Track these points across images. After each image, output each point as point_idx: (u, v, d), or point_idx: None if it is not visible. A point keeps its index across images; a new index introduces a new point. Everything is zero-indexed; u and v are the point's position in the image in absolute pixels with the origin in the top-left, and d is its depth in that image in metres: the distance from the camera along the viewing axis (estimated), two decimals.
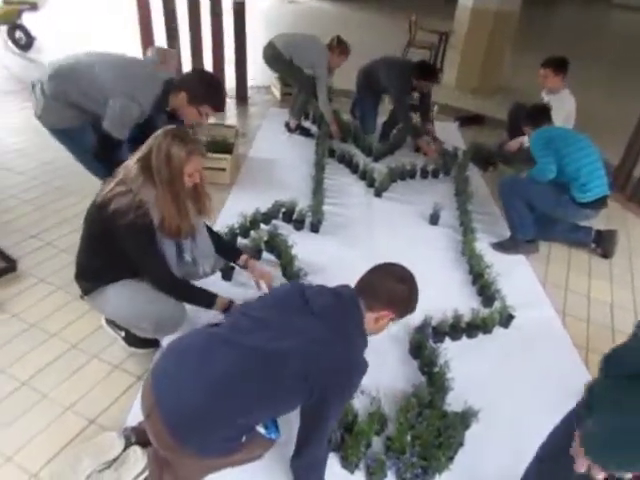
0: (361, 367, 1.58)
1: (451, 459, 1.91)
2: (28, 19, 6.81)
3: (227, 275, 2.77)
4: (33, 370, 2.17)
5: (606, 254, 3.41)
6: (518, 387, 2.34)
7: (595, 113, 5.36)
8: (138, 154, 1.94)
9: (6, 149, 4.11)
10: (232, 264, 2.67)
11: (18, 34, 6.63)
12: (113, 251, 1.97)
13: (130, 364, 2.25)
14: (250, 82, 5.48)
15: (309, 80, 4.37)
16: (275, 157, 4.28)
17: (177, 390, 1.52)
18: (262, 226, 3.24)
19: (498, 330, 2.64)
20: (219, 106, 2.71)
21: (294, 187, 3.76)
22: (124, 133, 2.60)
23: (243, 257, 2.44)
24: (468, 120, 5.47)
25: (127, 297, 2.05)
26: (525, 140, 3.80)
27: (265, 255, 2.99)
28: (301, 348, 1.53)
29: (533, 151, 3.18)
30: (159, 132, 1.93)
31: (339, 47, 4.30)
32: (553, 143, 3.10)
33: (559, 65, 3.99)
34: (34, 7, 6.94)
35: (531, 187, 3.20)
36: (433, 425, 1.96)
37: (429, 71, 4.34)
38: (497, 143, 4.54)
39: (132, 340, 2.27)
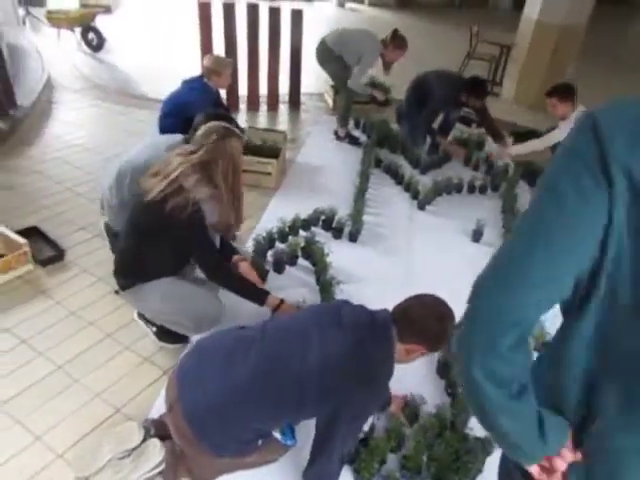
0: (379, 393, 1.58)
1: None
2: (101, 21, 7.18)
3: (261, 279, 2.81)
4: (69, 355, 2.29)
5: None
6: None
7: None
8: (184, 152, 2.03)
9: (70, 143, 4.35)
10: None
11: (91, 36, 7.00)
12: (159, 248, 2.06)
13: (159, 357, 2.32)
14: (304, 89, 5.55)
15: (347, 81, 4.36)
16: (321, 164, 4.31)
17: (200, 387, 1.57)
18: (301, 232, 3.27)
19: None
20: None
21: (336, 195, 3.77)
22: None
23: (236, 257, 2.51)
24: (523, 136, 5.29)
25: (168, 295, 2.13)
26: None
27: (301, 261, 3.02)
28: (322, 362, 1.54)
29: None
30: (214, 130, 2.05)
31: (394, 41, 4.24)
32: None
33: (564, 92, 3.91)
34: (108, 10, 7.34)
35: None
36: (452, 447, 1.91)
37: (479, 87, 4.26)
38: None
39: (162, 335, 2.35)
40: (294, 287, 2.84)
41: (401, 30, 4.34)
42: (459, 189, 4.06)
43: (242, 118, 5.11)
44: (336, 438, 1.59)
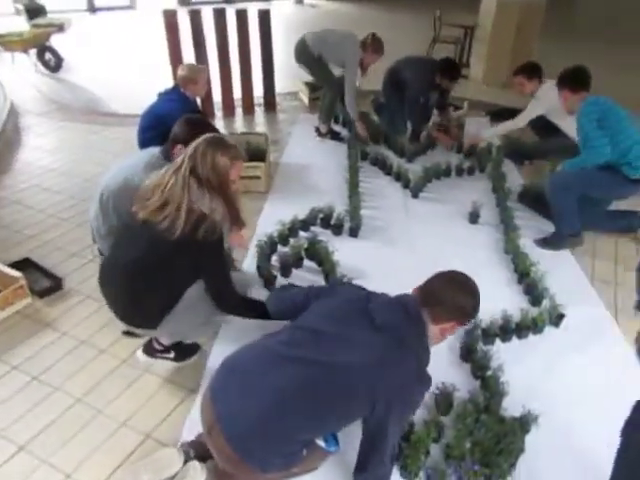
0: (426, 384, 1.56)
1: (513, 466, 1.85)
2: (55, 40, 6.97)
3: (269, 284, 2.76)
4: (86, 387, 2.20)
5: None
6: (574, 389, 2.25)
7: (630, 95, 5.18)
8: (171, 171, 1.90)
9: (44, 169, 4.21)
10: None
11: (47, 56, 6.81)
12: (182, 279, 1.98)
13: (179, 376, 2.26)
14: (277, 89, 5.48)
15: (335, 79, 4.34)
16: (308, 163, 4.27)
17: (239, 406, 1.52)
18: (301, 233, 3.23)
19: (549, 330, 2.56)
20: (185, 140, 2.33)
21: (329, 192, 3.74)
22: None
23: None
24: (499, 115, 5.34)
25: (193, 302, 2.03)
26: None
27: (306, 262, 2.98)
28: (365, 364, 1.51)
29: (584, 131, 2.97)
30: (198, 142, 1.92)
31: (373, 45, 4.22)
32: (606, 120, 2.91)
33: (531, 71, 3.94)
34: (61, 28, 7.12)
35: (586, 178, 3.05)
36: (492, 431, 1.91)
37: (452, 68, 4.29)
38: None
39: (180, 356, 2.28)
40: None
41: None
42: (448, 173, 4.07)
43: (219, 124, 5.02)
44: (388, 439, 1.56)
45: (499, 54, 6.57)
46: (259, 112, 5.39)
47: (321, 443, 1.69)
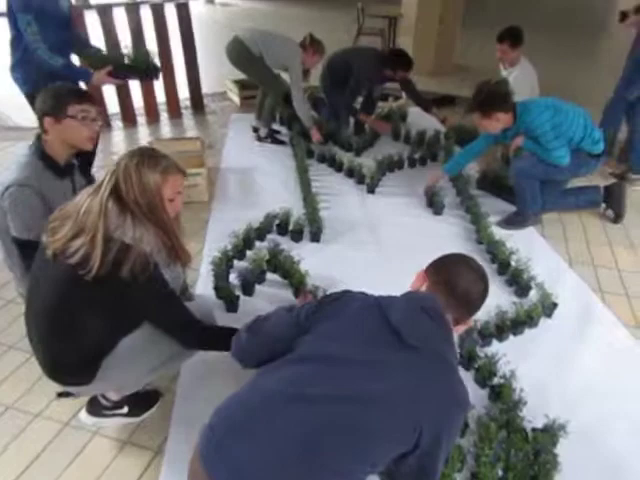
0: (468, 397, 1.28)
1: None
2: None
3: (232, 306, 2.39)
4: (23, 462, 1.73)
5: (618, 214, 3.24)
6: (586, 383, 2.08)
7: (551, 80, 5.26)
8: (89, 192, 1.48)
9: None
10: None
11: None
12: (98, 328, 1.54)
13: (140, 436, 1.84)
14: (203, 89, 5.06)
15: (279, 81, 4.01)
16: (250, 165, 3.89)
17: (245, 473, 1.15)
18: (257, 243, 2.88)
19: (543, 321, 2.38)
20: (77, 93, 2.05)
21: (279, 195, 3.41)
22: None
23: None
24: (437, 102, 5.25)
25: (140, 346, 1.62)
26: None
27: (269, 276, 2.63)
28: (404, 390, 1.21)
29: (542, 139, 2.86)
30: (120, 157, 1.51)
31: (313, 46, 3.91)
32: (558, 125, 2.83)
33: (516, 37, 3.76)
34: None
35: (551, 168, 2.95)
36: (522, 450, 1.67)
37: (404, 58, 4.09)
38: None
39: (136, 409, 1.86)
40: (272, 307, 2.39)
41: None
42: (401, 165, 3.87)
43: (144, 132, 4.54)
44: (439, 466, 1.28)
45: (424, 43, 6.53)
46: (187, 115, 4.94)
47: None
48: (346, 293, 1.46)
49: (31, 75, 2.76)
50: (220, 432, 1.22)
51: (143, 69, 3.21)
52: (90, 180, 3.02)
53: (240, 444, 1.18)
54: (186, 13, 4.54)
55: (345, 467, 1.16)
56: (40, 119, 1.95)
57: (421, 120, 4.62)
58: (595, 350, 2.25)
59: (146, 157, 1.48)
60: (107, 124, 4.48)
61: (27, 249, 1.87)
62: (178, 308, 1.60)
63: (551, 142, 2.85)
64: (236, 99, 5.18)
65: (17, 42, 2.74)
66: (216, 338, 1.71)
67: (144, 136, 4.48)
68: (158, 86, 4.67)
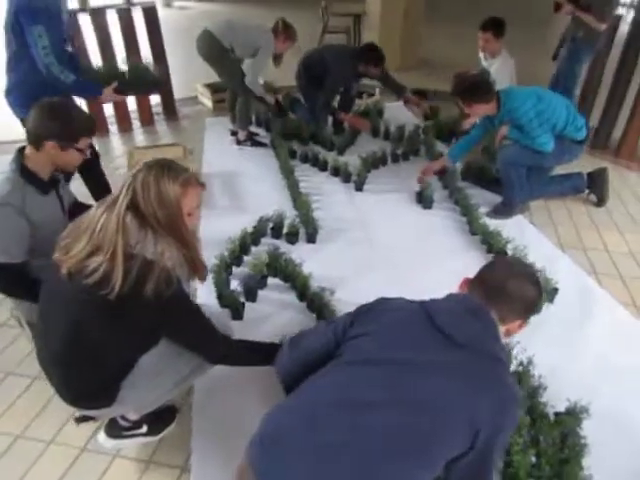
0: (519, 392, 1.28)
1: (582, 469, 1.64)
2: None
3: (237, 314, 2.34)
4: None
5: (601, 198, 3.34)
6: (598, 364, 2.14)
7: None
8: (104, 207, 1.40)
9: None
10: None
11: None
12: (118, 349, 1.48)
13: (162, 454, 1.78)
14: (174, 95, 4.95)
15: (243, 76, 3.92)
16: (233, 170, 3.82)
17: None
18: (252, 248, 2.83)
19: (546, 307, 2.42)
20: (92, 127, 2.03)
21: (267, 198, 3.35)
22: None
23: None
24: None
25: (163, 363, 1.56)
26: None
27: (270, 280, 2.59)
28: (459, 390, 1.20)
29: (529, 129, 2.91)
30: (137, 168, 1.43)
31: (285, 31, 3.84)
32: (541, 112, 2.88)
33: (500, 27, 3.81)
34: None
35: (536, 155, 3.00)
36: (550, 435, 1.69)
37: (375, 52, 4.08)
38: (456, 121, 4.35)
39: (155, 427, 1.80)
40: (278, 312, 2.41)
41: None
42: (384, 162, 3.88)
43: (116, 142, 4.41)
44: (492, 467, 1.27)
45: (389, 39, 6.55)
46: (160, 122, 4.81)
47: None
48: (381, 301, 1.44)
49: (29, 98, 2.63)
50: (271, 442, 1.19)
51: (146, 84, 3.15)
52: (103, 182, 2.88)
53: (294, 455, 1.15)
54: (154, 17, 4.41)
55: (407, 475, 1.14)
56: (39, 138, 1.83)
57: (398, 115, 4.66)
58: (600, 331, 2.31)
59: (165, 169, 1.41)
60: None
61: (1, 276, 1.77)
62: (204, 323, 1.54)
63: (535, 129, 2.90)
64: (208, 103, 5.08)
65: (16, 62, 2.57)
66: (242, 352, 1.69)
67: (118, 145, 4.34)
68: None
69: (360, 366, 1.27)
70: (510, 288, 1.34)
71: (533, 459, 1.63)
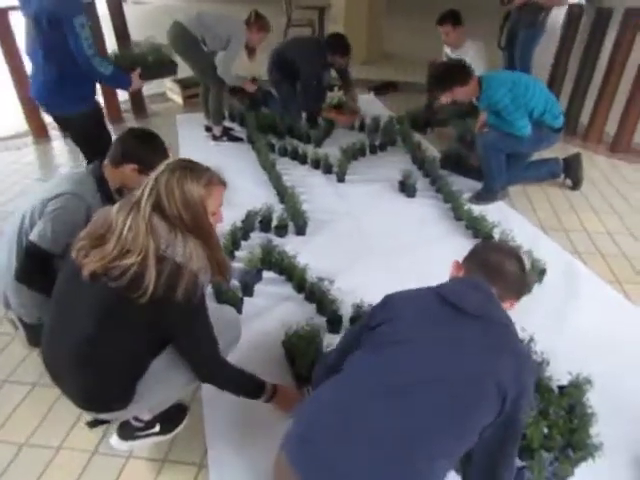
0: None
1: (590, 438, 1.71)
2: None
3: (237, 310, 2.31)
4: None
5: (576, 182, 3.47)
6: (589, 339, 2.22)
7: None
8: (126, 210, 1.36)
9: None
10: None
11: None
12: (138, 352, 1.46)
13: (177, 452, 1.75)
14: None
15: (216, 69, 3.86)
16: (211, 166, 3.69)
17: (344, 473, 1.13)
18: (242, 243, 2.81)
19: (536, 288, 2.50)
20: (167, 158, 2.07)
21: (251, 193, 3.31)
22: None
23: None
24: (381, 88, 5.37)
25: (174, 367, 1.53)
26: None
27: (265, 274, 2.57)
28: (485, 360, 1.24)
29: (504, 112, 2.99)
30: (158, 171, 1.39)
31: (257, 22, 3.81)
32: (517, 97, 2.97)
33: (456, 17, 3.92)
34: None
35: (514, 141, 3.08)
36: (560, 407, 1.76)
37: (341, 42, 4.10)
38: (424, 107, 4.43)
39: (167, 426, 1.77)
40: (276, 305, 2.41)
41: None
42: (363, 153, 3.91)
43: None
44: (519, 437, 1.32)
45: (355, 32, 6.54)
46: (129, 119, 4.68)
47: None
48: (390, 295, 1.46)
49: (76, 92, 2.65)
50: (310, 434, 1.19)
51: (167, 66, 3.28)
52: None
53: (334, 445, 1.15)
54: (119, 9, 4.29)
55: (449, 449, 1.17)
56: (124, 157, 1.86)
57: (371, 107, 4.71)
58: (589, 307, 2.40)
59: (188, 170, 1.39)
60: None
61: (33, 261, 1.73)
62: (214, 336, 1.51)
63: (512, 114, 2.98)
64: (178, 99, 4.98)
65: (50, 61, 2.53)
66: (233, 378, 1.64)
67: None
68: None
69: (391, 347, 1.28)
70: (507, 269, 1.38)
71: (545, 430, 1.69)
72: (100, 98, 4.37)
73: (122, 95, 4.63)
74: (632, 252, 2.83)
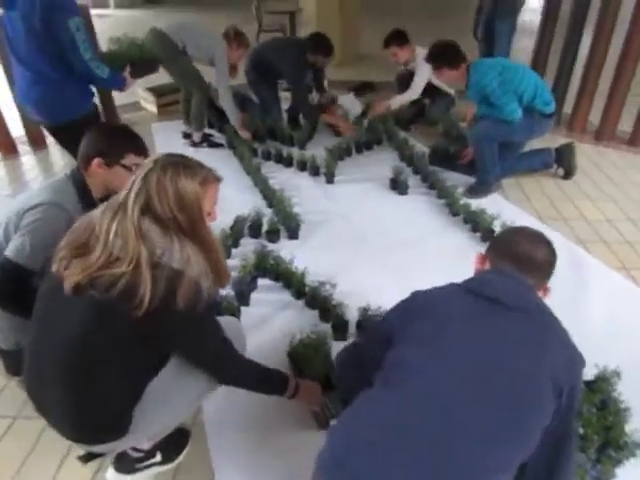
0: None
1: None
2: None
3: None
4: None
5: (568, 171, 3.41)
6: (608, 330, 2.14)
7: None
8: (110, 214, 1.21)
9: None
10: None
11: None
12: (134, 372, 1.30)
13: (183, 478, 1.58)
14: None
15: (202, 78, 3.75)
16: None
17: None
18: (232, 250, 2.65)
19: None
20: (138, 143, 1.82)
21: (237, 198, 3.15)
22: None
23: None
24: (360, 89, 5.29)
25: (175, 389, 1.37)
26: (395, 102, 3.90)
27: (261, 282, 2.42)
28: (535, 350, 1.12)
29: (492, 96, 2.94)
30: (147, 168, 1.22)
31: (237, 38, 3.68)
32: (506, 82, 2.92)
33: (400, 38, 3.88)
34: None
35: (506, 126, 3.01)
36: (592, 404, 1.65)
37: (323, 42, 3.98)
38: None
39: (169, 453, 1.61)
40: (276, 313, 2.26)
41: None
42: (349, 153, 3.79)
43: (56, 153, 4.05)
44: (573, 436, 1.22)
45: (328, 34, 6.47)
46: None
47: None
48: (415, 293, 1.33)
49: (77, 98, 2.53)
50: (355, 458, 1.04)
51: (152, 62, 3.19)
52: None
53: (377, 469, 1.01)
54: (87, 18, 4.10)
55: (507, 460, 1.04)
56: (89, 157, 1.67)
57: (354, 106, 4.62)
58: (600, 296, 2.32)
59: (181, 166, 1.24)
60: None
61: (9, 279, 1.54)
62: (225, 338, 1.36)
63: (500, 97, 2.93)
64: (152, 108, 4.80)
65: (53, 67, 2.37)
66: (255, 374, 1.50)
67: (57, 158, 4.00)
68: None
69: (433, 352, 1.14)
70: (538, 256, 1.28)
71: (580, 430, 1.58)
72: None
73: None
74: (634, 238, 2.78)
